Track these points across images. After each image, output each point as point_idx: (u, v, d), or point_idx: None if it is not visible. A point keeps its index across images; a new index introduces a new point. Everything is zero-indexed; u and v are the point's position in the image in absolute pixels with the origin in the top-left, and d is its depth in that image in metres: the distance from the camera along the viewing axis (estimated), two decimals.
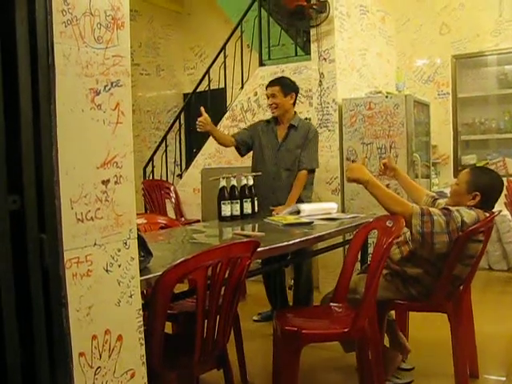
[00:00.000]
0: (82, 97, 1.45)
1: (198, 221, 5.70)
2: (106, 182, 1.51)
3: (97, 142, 1.50)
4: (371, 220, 3.09)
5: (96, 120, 1.49)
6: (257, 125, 4.33)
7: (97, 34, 1.49)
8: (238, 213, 3.55)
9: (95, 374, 1.48)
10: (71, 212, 1.41)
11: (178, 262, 1.92)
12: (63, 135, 1.38)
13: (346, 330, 2.48)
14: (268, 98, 4.16)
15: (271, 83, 4.18)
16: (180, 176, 7.12)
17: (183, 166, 7.31)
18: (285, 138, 4.13)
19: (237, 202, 3.55)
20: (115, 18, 1.54)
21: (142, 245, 1.90)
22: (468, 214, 2.75)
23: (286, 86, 4.13)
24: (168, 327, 2.71)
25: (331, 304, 2.89)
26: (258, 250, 2.22)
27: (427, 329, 3.79)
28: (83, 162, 1.45)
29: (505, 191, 5.23)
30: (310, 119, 5.47)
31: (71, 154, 1.41)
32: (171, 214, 6.30)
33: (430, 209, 2.79)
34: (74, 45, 1.42)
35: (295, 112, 4.21)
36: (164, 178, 7.19)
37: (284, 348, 2.51)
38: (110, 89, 1.53)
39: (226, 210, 3.53)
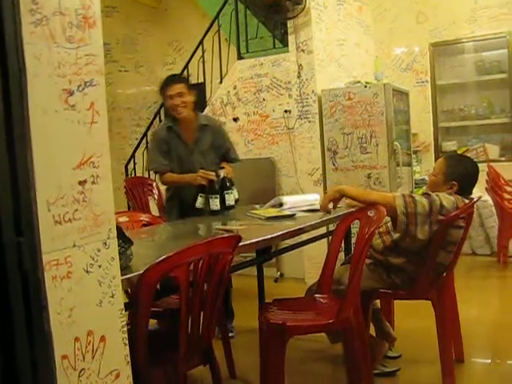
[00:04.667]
0: (55, 98, 1.43)
1: None
2: (82, 183, 1.50)
3: (72, 143, 1.48)
4: (353, 210, 3.10)
5: (70, 121, 1.47)
6: (160, 138, 3.73)
7: (68, 34, 1.46)
8: (217, 207, 3.49)
9: (79, 376, 1.46)
10: (48, 214, 1.40)
11: (159, 259, 1.91)
12: (37, 137, 1.36)
13: (330, 321, 2.49)
14: (171, 98, 3.60)
15: (173, 81, 3.67)
16: None
17: None
18: (196, 140, 3.72)
19: (216, 197, 3.49)
20: (86, 17, 1.52)
21: (119, 233, 1.86)
22: (446, 199, 2.81)
23: (188, 82, 3.79)
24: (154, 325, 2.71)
25: (316, 295, 2.91)
26: (240, 244, 2.22)
27: (412, 316, 3.82)
28: (59, 163, 1.44)
29: (486, 177, 5.29)
30: (290, 111, 5.48)
31: (46, 156, 1.39)
32: (155, 210, 6.27)
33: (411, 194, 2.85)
34: (45, 45, 1.40)
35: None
36: (146, 175, 7.15)
37: (270, 341, 2.51)
38: (83, 88, 1.51)
39: (201, 203, 3.50)
